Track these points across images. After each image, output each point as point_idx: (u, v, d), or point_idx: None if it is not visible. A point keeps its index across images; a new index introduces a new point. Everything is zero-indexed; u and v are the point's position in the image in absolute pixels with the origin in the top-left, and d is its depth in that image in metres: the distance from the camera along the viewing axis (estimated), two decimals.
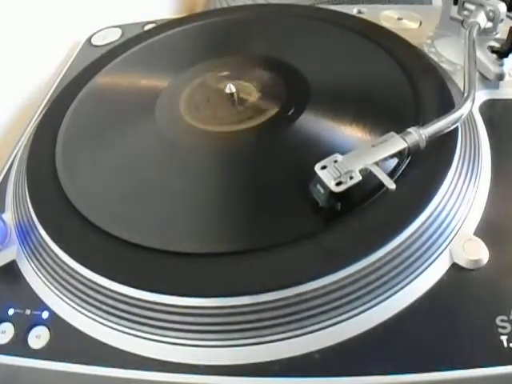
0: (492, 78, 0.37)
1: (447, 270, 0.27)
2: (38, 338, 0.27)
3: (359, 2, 0.54)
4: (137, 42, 0.46)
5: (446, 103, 0.33)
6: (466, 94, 0.31)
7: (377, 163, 0.27)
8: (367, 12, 0.47)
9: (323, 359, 0.25)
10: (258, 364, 0.25)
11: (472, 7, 0.38)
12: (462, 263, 0.27)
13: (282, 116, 0.35)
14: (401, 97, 0.35)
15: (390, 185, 0.26)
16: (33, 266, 0.30)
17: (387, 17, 0.46)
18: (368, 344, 0.25)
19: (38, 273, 0.30)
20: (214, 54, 0.42)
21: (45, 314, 0.28)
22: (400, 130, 0.29)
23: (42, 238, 0.31)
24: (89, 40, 0.52)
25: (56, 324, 0.28)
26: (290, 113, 0.35)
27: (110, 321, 0.27)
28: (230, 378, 0.25)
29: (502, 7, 0.37)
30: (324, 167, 0.27)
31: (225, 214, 0.30)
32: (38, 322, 0.28)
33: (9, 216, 0.33)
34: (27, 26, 0.47)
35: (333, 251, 0.26)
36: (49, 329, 0.28)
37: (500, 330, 0.24)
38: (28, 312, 0.28)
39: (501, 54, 0.36)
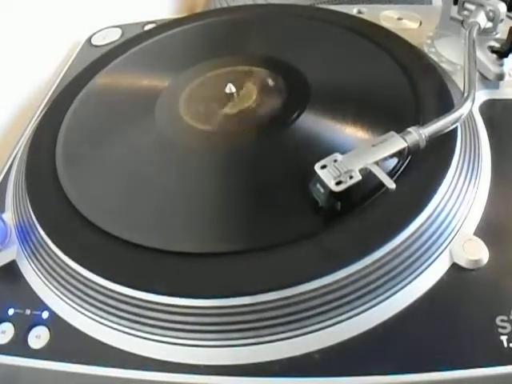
0: (492, 77, 0.37)
1: (447, 270, 0.27)
2: (38, 338, 0.27)
3: (359, 2, 0.54)
4: (137, 42, 0.46)
5: (445, 103, 0.33)
6: (465, 94, 0.31)
7: (377, 163, 0.27)
8: (367, 12, 0.47)
9: (323, 359, 0.25)
10: (258, 364, 0.25)
11: (472, 7, 0.38)
12: (462, 263, 0.27)
13: (282, 116, 0.35)
14: (401, 97, 0.35)
15: (390, 184, 0.26)
16: (33, 266, 0.30)
17: (387, 17, 0.46)
18: (368, 344, 0.25)
19: (38, 273, 0.30)
20: (214, 54, 0.42)
21: (45, 314, 0.28)
22: (400, 129, 0.29)
23: (41, 238, 0.31)
24: (89, 40, 0.52)
25: (56, 324, 0.28)
26: (289, 113, 0.35)
27: (110, 321, 0.27)
28: (229, 378, 0.25)
29: (502, 7, 0.37)
30: (324, 166, 0.27)
31: (225, 213, 0.30)
32: (38, 322, 0.28)
33: (9, 216, 0.33)
34: (27, 26, 0.47)
35: (333, 251, 0.26)
36: (49, 329, 0.28)
37: (500, 330, 0.24)
38: (28, 312, 0.28)
39: (501, 53, 0.36)
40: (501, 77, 0.37)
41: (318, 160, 0.27)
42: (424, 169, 0.29)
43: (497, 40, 0.38)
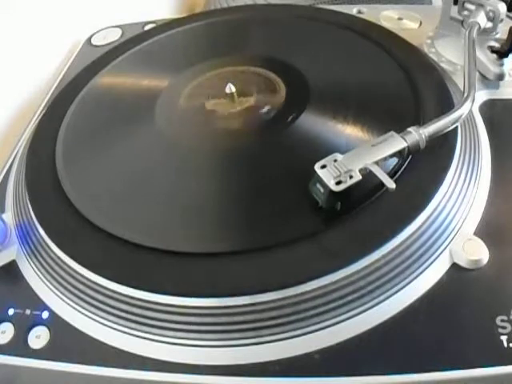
0: (492, 77, 0.37)
1: (447, 270, 0.27)
2: (38, 338, 0.27)
3: (359, 2, 0.54)
4: (137, 42, 0.46)
5: (445, 103, 0.33)
6: (465, 94, 0.31)
7: (377, 163, 0.27)
8: (367, 12, 0.47)
9: (323, 359, 0.25)
10: (258, 364, 0.25)
11: (472, 7, 0.38)
12: (462, 263, 0.27)
13: (281, 116, 0.35)
14: (401, 97, 0.35)
15: (390, 184, 0.26)
16: (33, 266, 0.30)
17: (387, 17, 0.46)
18: (368, 344, 0.25)
19: (38, 273, 0.30)
20: (214, 54, 0.42)
21: (45, 314, 0.28)
22: (400, 129, 0.29)
23: (41, 238, 0.31)
24: (89, 40, 0.52)
25: (56, 324, 0.28)
26: (289, 112, 0.35)
27: (110, 321, 0.27)
28: (230, 378, 0.25)
29: (502, 7, 0.37)
30: (324, 166, 0.27)
31: (225, 213, 0.30)
32: (38, 322, 0.28)
33: (9, 216, 0.33)
34: (27, 26, 0.47)
35: (333, 251, 0.26)
36: (49, 329, 0.28)
37: (500, 330, 0.24)
38: (28, 312, 0.28)
39: (501, 53, 0.36)
40: (501, 77, 0.37)
41: (318, 160, 0.27)
42: (424, 169, 0.29)
43: (497, 40, 0.38)
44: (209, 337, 0.26)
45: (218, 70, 0.40)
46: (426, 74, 0.36)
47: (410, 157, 0.29)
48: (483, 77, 0.37)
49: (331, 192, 0.26)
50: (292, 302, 0.25)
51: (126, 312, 0.27)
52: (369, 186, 0.28)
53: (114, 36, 0.51)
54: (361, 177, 0.27)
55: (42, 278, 0.30)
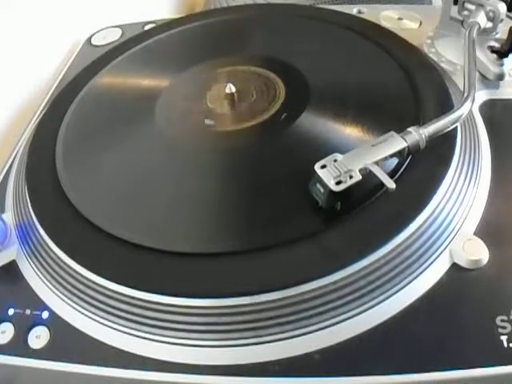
0: (492, 77, 0.37)
1: (447, 270, 0.27)
2: (38, 338, 0.27)
3: (359, 2, 0.54)
4: (137, 42, 0.46)
5: (445, 103, 0.33)
6: (465, 94, 0.31)
7: (377, 163, 0.27)
8: (367, 12, 0.47)
9: (323, 359, 0.25)
10: (258, 364, 0.25)
11: (472, 7, 0.38)
12: (462, 263, 0.27)
13: (281, 116, 0.35)
14: (401, 97, 0.35)
15: (390, 184, 0.26)
16: (33, 266, 0.30)
17: (387, 17, 0.46)
18: (368, 344, 0.25)
19: (38, 273, 0.30)
20: (214, 54, 0.42)
21: (45, 314, 0.28)
22: (400, 129, 0.29)
23: (41, 238, 0.31)
24: (89, 40, 0.52)
25: (56, 324, 0.28)
26: (289, 112, 0.35)
27: (110, 321, 0.27)
28: (230, 378, 0.25)
29: (502, 7, 0.37)
30: (324, 166, 0.27)
31: (224, 213, 0.30)
32: (38, 322, 0.28)
33: (9, 216, 0.33)
34: (27, 26, 0.47)
35: (333, 251, 0.26)
36: (49, 329, 0.28)
37: (500, 330, 0.24)
38: (28, 312, 0.28)
39: (501, 54, 0.36)
40: (501, 77, 0.37)
41: (318, 160, 0.27)
42: (424, 169, 0.29)
43: (497, 40, 0.38)
44: (209, 337, 0.26)
45: (218, 70, 0.40)
46: (426, 74, 0.36)
47: (410, 157, 0.29)
48: (483, 77, 0.37)
49: (331, 192, 0.26)
50: (292, 302, 0.25)
51: (126, 312, 0.27)
52: (369, 186, 0.28)
53: (114, 36, 0.51)
54: (361, 177, 0.27)
55: (42, 278, 0.30)
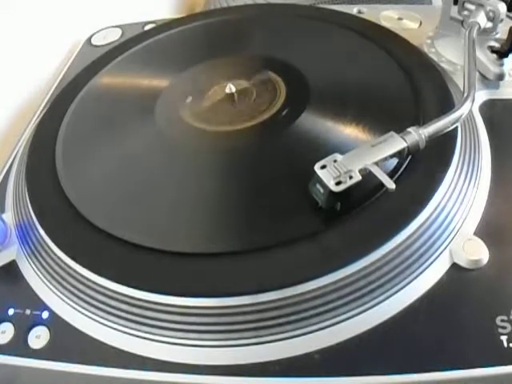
0: (492, 77, 0.37)
1: (447, 270, 0.27)
2: (38, 338, 0.27)
3: (359, 2, 0.54)
4: (137, 42, 0.46)
5: (445, 103, 0.33)
6: (465, 94, 0.31)
7: (376, 163, 0.27)
8: (367, 12, 0.47)
9: (323, 359, 0.25)
10: (258, 364, 0.25)
11: (472, 7, 0.38)
12: (462, 263, 0.27)
13: (281, 116, 0.35)
14: (401, 97, 0.35)
15: (390, 185, 0.26)
16: (33, 266, 0.30)
17: (387, 17, 0.46)
18: (368, 344, 0.25)
19: (38, 273, 0.30)
20: (214, 54, 0.42)
21: (45, 314, 0.28)
22: (400, 129, 0.29)
23: (41, 238, 0.31)
24: (89, 40, 0.52)
25: (56, 324, 0.28)
26: (289, 113, 0.35)
27: (110, 321, 0.27)
28: (229, 378, 0.25)
29: (502, 7, 0.37)
30: (323, 167, 0.27)
31: (224, 213, 0.30)
32: (38, 322, 0.28)
33: (9, 216, 0.33)
34: (27, 26, 0.47)
35: (332, 251, 0.26)
36: (49, 329, 0.28)
37: (500, 330, 0.24)
38: (28, 312, 0.28)
39: (501, 54, 0.36)
40: (501, 77, 0.37)
41: (318, 160, 0.27)
42: (424, 169, 0.29)
43: (497, 40, 0.38)
44: (209, 337, 0.26)
45: (218, 70, 0.40)
46: (426, 74, 0.36)
47: (410, 157, 0.29)
48: (483, 77, 0.37)
49: (331, 192, 0.26)
50: (292, 302, 0.25)
51: (126, 312, 0.27)
52: (368, 186, 0.28)
53: (114, 36, 0.51)
54: (360, 177, 0.27)
55: (42, 277, 0.30)
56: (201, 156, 0.34)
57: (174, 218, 0.30)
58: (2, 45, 0.44)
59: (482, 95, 0.36)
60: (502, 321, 0.25)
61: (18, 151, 0.39)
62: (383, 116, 0.33)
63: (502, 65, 0.37)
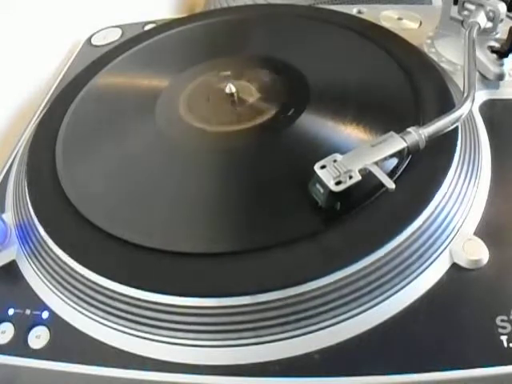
0: (492, 77, 0.37)
1: (447, 270, 0.27)
2: (38, 338, 0.27)
3: (359, 2, 0.54)
4: (137, 42, 0.46)
5: (445, 103, 0.33)
6: (465, 94, 0.31)
7: (376, 163, 0.27)
8: (367, 12, 0.47)
9: (323, 359, 0.25)
10: (258, 364, 0.25)
11: (472, 7, 0.38)
12: (462, 263, 0.27)
13: (281, 116, 0.35)
14: (401, 97, 0.35)
15: (390, 185, 0.26)
16: (33, 266, 0.30)
17: (387, 17, 0.46)
18: (368, 344, 0.25)
19: (38, 273, 0.30)
20: (214, 54, 0.42)
21: (45, 314, 0.28)
22: (400, 129, 0.29)
23: (41, 238, 0.31)
24: (89, 40, 0.52)
25: (56, 324, 0.28)
26: (289, 113, 0.35)
27: (110, 321, 0.27)
28: (229, 378, 0.25)
29: (502, 7, 0.37)
30: (323, 167, 0.27)
31: (224, 213, 0.30)
32: (38, 322, 0.28)
33: (9, 216, 0.34)
34: (27, 26, 0.47)
35: (332, 251, 0.26)
36: (49, 329, 0.28)
37: (500, 330, 0.24)
38: (28, 312, 0.28)
39: (501, 54, 0.36)
40: (501, 77, 0.37)
41: (318, 160, 0.27)
42: (424, 169, 0.29)
43: (497, 40, 0.38)
44: (209, 337, 0.26)
45: (218, 70, 0.40)
46: (426, 74, 0.36)
47: (410, 157, 0.29)
48: (483, 77, 0.37)
49: (331, 192, 0.26)
50: (292, 302, 0.25)
51: (126, 312, 0.27)
52: (368, 186, 0.28)
53: (114, 36, 0.51)
54: (360, 177, 0.27)
55: (42, 277, 0.30)
56: (201, 156, 0.34)
57: (174, 218, 0.30)
58: (2, 45, 0.44)
59: (482, 95, 0.36)
60: (502, 321, 0.25)
61: (17, 151, 0.39)
62: (383, 116, 0.33)
63: (502, 65, 0.37)
